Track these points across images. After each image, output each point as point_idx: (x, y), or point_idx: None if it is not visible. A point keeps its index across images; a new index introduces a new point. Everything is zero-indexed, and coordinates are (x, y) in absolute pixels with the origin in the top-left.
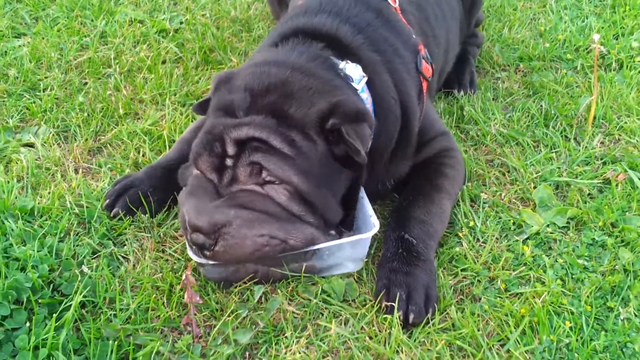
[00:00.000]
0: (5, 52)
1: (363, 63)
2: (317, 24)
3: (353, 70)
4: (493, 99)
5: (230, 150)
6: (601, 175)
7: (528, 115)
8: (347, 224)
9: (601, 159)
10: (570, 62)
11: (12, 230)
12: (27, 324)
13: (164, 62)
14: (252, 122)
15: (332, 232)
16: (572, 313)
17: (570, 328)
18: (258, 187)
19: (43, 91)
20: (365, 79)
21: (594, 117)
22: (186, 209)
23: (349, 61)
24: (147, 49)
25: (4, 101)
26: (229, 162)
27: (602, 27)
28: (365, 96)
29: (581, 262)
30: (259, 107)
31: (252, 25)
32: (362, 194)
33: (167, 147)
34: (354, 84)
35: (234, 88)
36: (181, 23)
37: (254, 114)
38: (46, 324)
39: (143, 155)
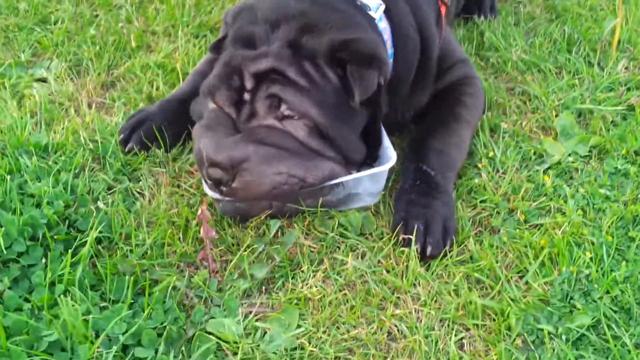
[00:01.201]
0: None
1: None
2: None
3: None
4: (514, 25)
5: (249, 84)
6: (625, 102)
7: (550, 41)
8: (370, 158)
9: (625, 85)
10: None
11: (27, 166)
12: (43, 261)
13: None
14: (269, 54)
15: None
16: (593, 244)
17: (591, 259)
18: (277, 122)
19: (54, 24)
20: (383, 7)
21: (619, 41)
22: (203, 143)
23: None
24: None
25: (15, 35)
26: (247, 96)
27: None
28: (384, 25)
29: (603, 192)
30: (277, 39)
31: None
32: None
33: (181, 80)
34: (371, 13)
35: (253, 20)
36: None
37: (272, 45)
38: (62, 260)
39: (157, 89)
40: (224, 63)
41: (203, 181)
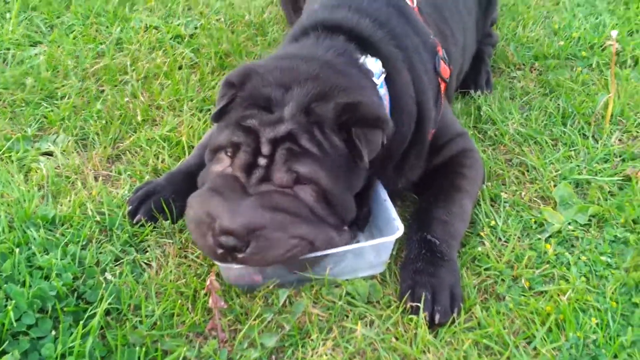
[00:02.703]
0: (22, 60)
1: (383, 58)
2: (336, 18)
3: (373, 65)
4: (510, 99)
5: (265, 149)
6: (621, 172)
7: (545, 114)
8: (360, 223)
9: (620, 156)
10: (585, 59)
11: (35, 239)
12: (53, 333)
13: (180, 67)
14: (286, 119)
15: (345, 228)
16: (598, 310)
17: (597, 324)
18: (288, 188)
19: (61, 99)
20: (384, 74)
21: (611, 115)
22: (215, 210)
23: (369, 55)
24: (163, 55)
25: (22, 110)
26: (262, 161)
27: (617, 24)
28: (383, 92)
29: (604, 259)
30: (291, 103)
31: (267, 28)
32: (385, 196)
33: (186, 153)
34: (373, 79)
35: (266, 82)
36: (196, 28)
37: (288, 111)
38: (72, 332)
39: (162, 162)
40: (237, 124)
41: (201, 247)
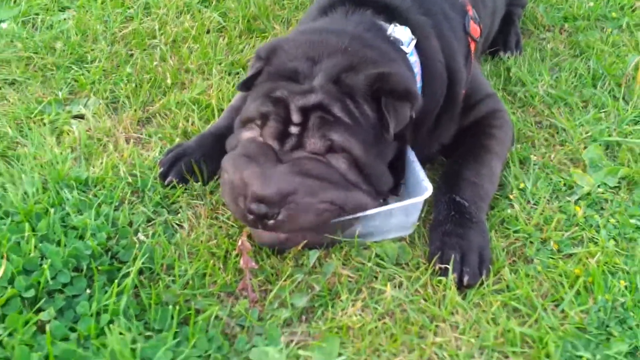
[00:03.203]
0: (51, 25)
1: (411, 26)
2: None
3: (402, 33)
4: (540, 60)
5: (296, 117)
6: None
7: (575, 76)
8: (394, 189)
9: None
10: (615, 20)
11: (68, 199)
12: (88, 291)
13: (208, 31)
14: (316, 89)
15: (381, 200)
16: (627, 272)
17: (625, 287)
18: (320, 155)
19: (91, 63)
20: (414, 41)
21: None
22: (248, 176)
23: (397, 24)
24: (190, 19)
25: (52, 74)
26: (293, 129)
27: None
28: (414, 59)
29: (633, 222)
30: (320, 75)
31: None
32: (413, 157)
33: (216, 116)
34: (403, 47)
35: (294, 55)
36: None
37: (318, 81)
38: (106, 291)
39: (192, 124)
40: (265, 96)
41: (233, 211)
